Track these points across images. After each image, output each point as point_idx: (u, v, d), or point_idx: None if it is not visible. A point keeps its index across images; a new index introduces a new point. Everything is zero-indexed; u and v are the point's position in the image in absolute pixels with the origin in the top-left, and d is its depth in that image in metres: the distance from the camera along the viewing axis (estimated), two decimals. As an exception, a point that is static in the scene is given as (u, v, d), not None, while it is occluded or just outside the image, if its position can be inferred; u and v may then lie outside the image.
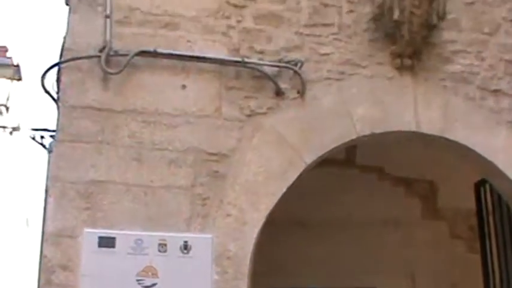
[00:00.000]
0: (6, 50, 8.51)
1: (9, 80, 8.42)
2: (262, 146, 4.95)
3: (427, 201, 7.60)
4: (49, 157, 9.15)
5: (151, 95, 4.90)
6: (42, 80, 5.03)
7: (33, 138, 8.78)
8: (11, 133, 8.67)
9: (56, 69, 5.11)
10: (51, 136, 8.57)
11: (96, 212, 4.66)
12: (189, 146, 4.85)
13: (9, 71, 8.42)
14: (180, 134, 4.86)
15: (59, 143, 4.86)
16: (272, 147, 4.96)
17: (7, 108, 8.52)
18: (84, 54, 4.88)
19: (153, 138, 4.83)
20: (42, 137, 8.86)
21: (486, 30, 5.54)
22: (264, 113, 5.00)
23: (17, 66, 8.52)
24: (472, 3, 5.57)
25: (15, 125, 8.68)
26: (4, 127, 8.63)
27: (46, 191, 8.90)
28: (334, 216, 7.02)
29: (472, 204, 6.64)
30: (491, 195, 6.27)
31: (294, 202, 5.02)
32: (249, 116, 4.98)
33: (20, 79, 8.52)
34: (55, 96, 5.46)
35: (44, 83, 5.06)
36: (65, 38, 5.16)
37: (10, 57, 8.50)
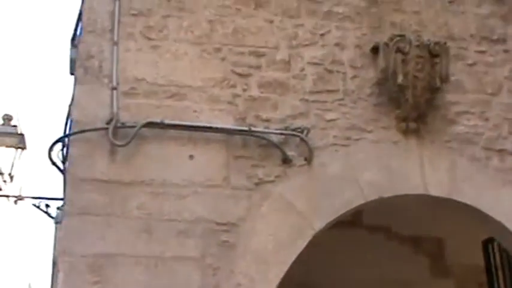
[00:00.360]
0: (11, 119, 8.54)
1: (13, 149, 8.45)
2: (271, 214, 4.95)
3: (435, 259, 7.55)
4: (56, 228, 9.11)
5: (159, 166, 4.90)
6: (50, 153, 5.07)
7: (38, 207, 8.77)
8: (15, 202, 8.64)
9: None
10: (58, 208, 8.56)
11: (107, 285, 4.63)
12: (197, 216, 4.84)
13: (14, 140, 8.46)
14: (189, 204, 4.86)
15: (67, 215, 4.86)
16: (281, 215, 4.95)
17: (11, 177, 8.51)
18: (91, 126, 4.90)
19: (162, 210, 4.82)
20: (47, 206, 8.85)
21: (489, 90, 5.60)
22: (272, 181, 5.01)
23: (22, 135, 8.55)
24: (474, 64, 5.63)
25: (19, 194, 8.67)
26: (8, 196, 8.61)
27: (54, 264, 8.84)
28: (342, 278, 6.96)
29: (480, 261, 6.64)
30: (500, 253, 6.28)
31: (301, 265, 4.98)
32: (257, 184, 4.99)
33: (24, 148, 8.53)
34: (61, 166, 5.48)
35: (51, 155, 5.08)
36: (70, 107, 5.19)
37: (15, 126, 8.54)
